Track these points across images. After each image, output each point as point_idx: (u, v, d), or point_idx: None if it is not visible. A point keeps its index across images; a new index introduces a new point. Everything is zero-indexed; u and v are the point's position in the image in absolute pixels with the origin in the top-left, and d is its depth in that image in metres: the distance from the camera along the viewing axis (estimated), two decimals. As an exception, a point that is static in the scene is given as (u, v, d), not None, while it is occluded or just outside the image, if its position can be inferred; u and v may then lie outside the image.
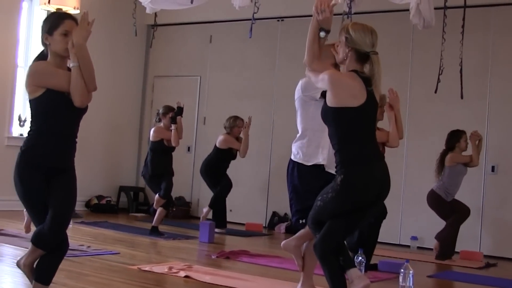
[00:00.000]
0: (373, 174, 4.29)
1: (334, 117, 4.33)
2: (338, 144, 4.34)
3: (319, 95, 5.12)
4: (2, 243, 7.35)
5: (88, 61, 4.13)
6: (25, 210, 6.56)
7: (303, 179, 5.32)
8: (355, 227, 4.56)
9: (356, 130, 4.32)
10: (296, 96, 5.38)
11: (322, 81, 4.39)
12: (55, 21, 4.19)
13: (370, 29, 4.40)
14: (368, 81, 4.32)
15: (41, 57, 4.30)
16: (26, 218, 6.94)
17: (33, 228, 4.69)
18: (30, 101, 4.19)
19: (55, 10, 9.04)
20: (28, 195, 4.16)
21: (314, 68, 4.58)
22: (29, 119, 4.30)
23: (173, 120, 8.91)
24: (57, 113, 4.15)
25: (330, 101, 4.32)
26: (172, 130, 8.90)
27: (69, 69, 4.20)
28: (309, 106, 5.25)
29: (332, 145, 4.44)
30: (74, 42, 4.09)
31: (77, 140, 4.31)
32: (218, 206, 9.94)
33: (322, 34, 4.56)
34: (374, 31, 4.40)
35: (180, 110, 9.01)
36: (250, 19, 8.19)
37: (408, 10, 7.59)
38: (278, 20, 11.42)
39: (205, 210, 9.99)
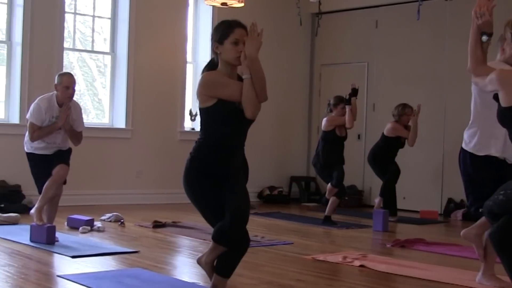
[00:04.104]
0: None
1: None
2: None
3: None
4: (180, 235, 7.57)
5: (260, 73, 4.11)
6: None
7: (477, 168, 5.10)
8: None
9: None
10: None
11: (490, 82, 4.17)
12: (225, 30, 4.18)
13: None
14: None
15: (211, 65, 4.30)
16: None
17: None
18: (200, 109, 4.22)
19: (220, 5, 9.17)
20: (199, 199, 4.23)
21: (479, 74, 4.37)
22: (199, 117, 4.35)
23: (348, 101, 8.82)
24: (227, 123, 4.16)
25: (504, 101, 4.08)
26: (347, 111, 8.80)
27: (239, 77, 4.20)
28: (486, 94, 4.98)
29: None
30: (246, 54, 4.08)
31: (244, 147, 4.35)
32: (388, 194, 9.72)
33: (484, 38, 4.34)
34: None
35: (354, 91, 8.89)
36: (417, 1, 7.99)
37: None
38: (446, 0, 11.04)
39: (377, 200, 9.79)
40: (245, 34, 4.16)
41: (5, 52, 9.72)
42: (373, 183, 11.56)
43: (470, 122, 5.21)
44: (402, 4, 11.30)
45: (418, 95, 10.65)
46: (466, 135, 5.21)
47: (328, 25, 12.20)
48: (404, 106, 9.56)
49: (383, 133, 9.67)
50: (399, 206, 10.00)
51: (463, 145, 5.21)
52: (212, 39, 4.26)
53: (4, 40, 9.73)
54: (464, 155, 5.21)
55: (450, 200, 10.77)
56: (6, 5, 9.68)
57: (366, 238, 8.17)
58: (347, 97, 8.86)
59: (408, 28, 11.39)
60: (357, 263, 6.08)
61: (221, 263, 4.26)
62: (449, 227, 9.63)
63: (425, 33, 11.24)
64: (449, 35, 10.98)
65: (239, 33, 4.16)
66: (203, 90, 4.17)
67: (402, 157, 9.85)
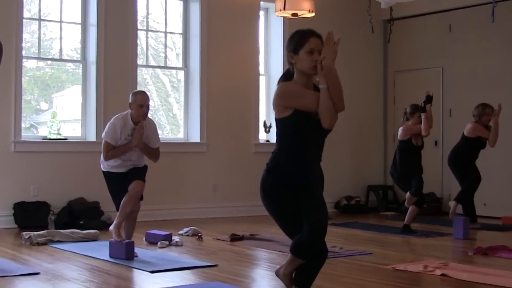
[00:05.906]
0: None
1: None
2: None
3: None
4: (258, 248, 7.55)
5: (337, 83, 4.06)
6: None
7: None
8: None
9: None
10: None
11: None
12: (300, 40, 4.15)
13: None
14: None
15: (287, 75, 4.27)
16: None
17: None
18: (276, 120, 4.20)
19: (290, 16, 9.17)
20: (277, 210, 4.20)
21: None
22: (274, 127, 4.32)
23: (423, 109, 8.69)
24: (304, 133, 4.12)
25: None
26: (422, 119, 8.67)
27: (315, 87, 4.16)
28: None
29: None
30: (323, 63, 4.03)
31: (321, 158, 4.28)
32: (465, 201, 9.48)
33: None
34: None
35: (429, 99, 8.76)
36: (491, 3, 7.82)
37: None
38: (521, 0, 10.80)
39: (451, 204, 9.54)
40: (320, 43, 4.12)
41: (80, 71, 9.92)
42: (452, 190, 11.32)
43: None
44: (476, 7, 11.11)
45: (496, 98, 10.40)
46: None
47: (400, 31, 12.06)
48: (485, 106, 9.37)
49: (463, 133, 9.49)
50: (479, 212, 9.77)
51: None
52: (286, 49, 4.23)
53: (79, 59, 9.93)
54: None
55: (533, 205, 10.49)
56: (80, 25, 9.88)
57: (447, 246, 8.01)
58: (422, 104, 8.73)
59: (483, 30, 11.17)
60: (438, 272, 5.96)
61: (299, 275, 4.22)
62: (534, 233, 9.37)
63: (501, 34, 11.01)
64: (526, 35, 10.73)
65: (314, 42, 4.13)
66: (279, 100, 4.14)
67: (481, 162, 9.62)
